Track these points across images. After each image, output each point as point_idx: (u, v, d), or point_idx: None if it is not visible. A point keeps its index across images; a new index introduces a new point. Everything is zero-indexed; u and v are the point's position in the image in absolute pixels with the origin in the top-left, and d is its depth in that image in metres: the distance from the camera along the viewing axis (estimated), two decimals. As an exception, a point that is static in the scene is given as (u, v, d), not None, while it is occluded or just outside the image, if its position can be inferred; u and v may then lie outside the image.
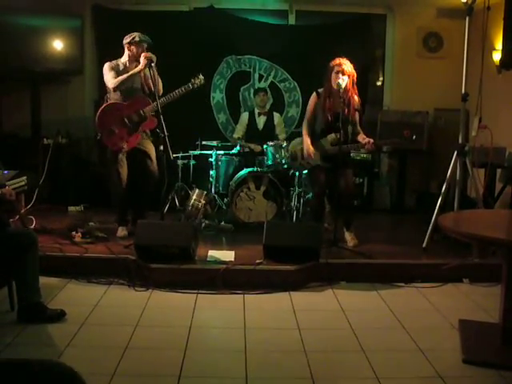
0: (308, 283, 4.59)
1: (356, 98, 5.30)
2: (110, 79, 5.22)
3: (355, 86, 5.27)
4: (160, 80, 5.30)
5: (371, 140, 5.20)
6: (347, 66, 5.15)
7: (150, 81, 5.18)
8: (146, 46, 5.21)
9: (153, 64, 5.08)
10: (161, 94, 5.28)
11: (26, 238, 3.64)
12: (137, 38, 5.20)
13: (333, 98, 5.23)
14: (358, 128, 5.36)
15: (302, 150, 5.44)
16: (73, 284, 4.48)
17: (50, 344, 3.36)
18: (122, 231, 5.44)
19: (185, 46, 7.08)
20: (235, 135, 6.79)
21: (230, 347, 3.46)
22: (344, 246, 5.20)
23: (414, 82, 7.40)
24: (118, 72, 5.24)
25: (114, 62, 5.31)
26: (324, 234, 5.11)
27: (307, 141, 5.34)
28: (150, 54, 5.10)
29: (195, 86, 5.38)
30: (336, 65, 5.17)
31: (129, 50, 5.25)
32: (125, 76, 5.16)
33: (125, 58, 5.32)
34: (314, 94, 5.39)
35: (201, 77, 5.43)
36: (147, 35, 5.27)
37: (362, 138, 5.26)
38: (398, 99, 7.50)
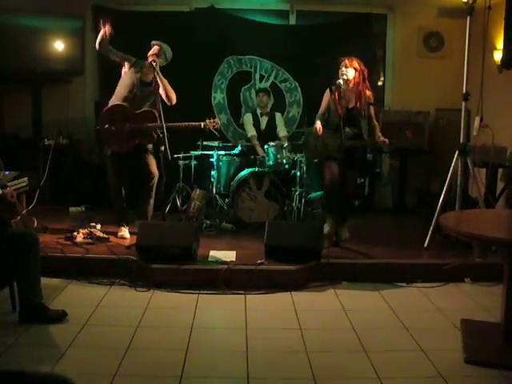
0: (309, 283, 4.59)
1: (368, 92, 5.33)
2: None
3: (367, 82, 5.33)
4: (166, 85, 5.34)
5: (386, 140, 5.24)
6: (353, 61, 5.23)
7: (163, 91, 5.27)
8: (155, 52, 5.21)
9: (154, 63, 5.10)
10: (174, 101, 5.35)
11: (28, 239, 3.64)
12: (154, 42, 5.22)
13: (343, 92, 5.24)
14: (375, 122, 5.40)
15: (315, 139, 5.45)
16: (74, 285, 4.48)
17: (52, 345, 3.36)
18: (121, 231, 5.44)
19: (186, 47, 7.06)
20: (250, 134, 6.74)
21: (232, 347, 3.46)
22: (340, 244, 5.20)
23: (414, 81, 7.39)
24: (128, 63, 5.32)
25: (138, 61, 5.35)
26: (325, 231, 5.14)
27: (318, 121, 5.39)
28: (153, 55, 5.14)
29: (206, 127, 5.42)
30: (342, 60, 5.25)
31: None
32: (114, 52, 5.27)
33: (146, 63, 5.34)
34: (328, 90, 5.40)
35: (217, 121, 5.48)
36: (148, 35, 5.26)
37: (377, 136, 5.30)
38: (399, 99, 7.49)
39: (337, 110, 5.25)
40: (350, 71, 5.19)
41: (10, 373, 1.52)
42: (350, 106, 5.25)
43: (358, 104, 5.24)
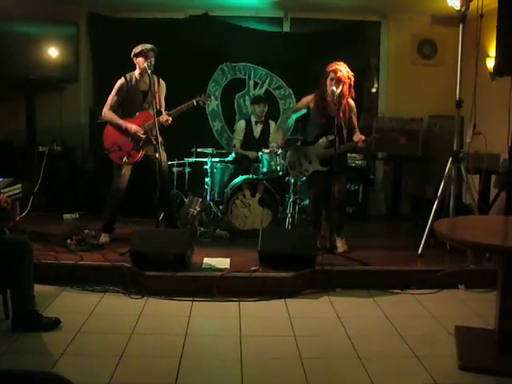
0: (304, 290, 4.59)
1: (351, 101, 5.31)
2: (107, 105, 5.33)
3: (352, 90, 5.27)
4: (158, 82, 5.40)
5: (362, 137, 5.24)
6: (343, 72, 5.14)
7: (158, 94, 5.34)
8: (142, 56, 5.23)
9: (146, 65, 5.13)
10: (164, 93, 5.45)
11: (21, 246, 3.62)
12: (137, 50, 5.23)
13: (327, 103, 5.24)
14: (356, 130, 5.38)
15: (298, 158, 5.45)
16: (68, 292, 4.46)
17: (45, 352, 3.35)
18: (104, 237, 5.44)
19: (180, 54, 7.09)
20: (234, 140, 6.78)
21: (226, 355, 3.45)
22: (334, 251, 5.20)
23: (408, 88, 7.42)
24: (123, 93, 5.32)
25: (128, 76, 5.35)
26: (319, 240, 5.13)
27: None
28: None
29: (200, 103, 5.38)
30: (332, 71, 5.16)
31: (135, 61, 5.29)
32: (115, 121, 5.30)
33: (137, 71, 5.35)
34: (312, 95, 5.41)
35: (209, 94, 5.47)
36: (142, 43, 5.26)
37: (355, 136, 5.31)
38: (393, 106, 7.52)
39: (319, 119, 5.27)
40: (340, 85, 5.12)
41: (13, 373, 1.52)
42: (332, 115, 5.19)
43: (341, 115, 5.19)
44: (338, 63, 5.20)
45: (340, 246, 5.36)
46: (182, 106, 5.32)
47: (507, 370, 3.18)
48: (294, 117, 5.49)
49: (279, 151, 6.03)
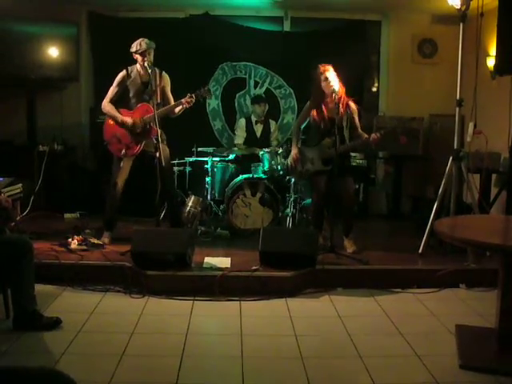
0: (304, 289, 4.59)
1: (352, 104, 5.30)
2: (107, 97, 5.33)
3: (345, 96, 5.25)
4: (160, 75, 5.39)
5: (377, 134, 5.16)
6: (330, 72, 5.17)
7: (162, 87, 5.36)
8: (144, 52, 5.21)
9: (147, 64, 5.12)
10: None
11: (22, 246, 3.62)
12: (133, 49, 5.21)
13: (327, 105, 5.23)
14: (360, 131, 5.34)
15: (300, 159, 5.43)
16: (69, 291, 4.46)
17: (46, 352, 3.35)
18: (104, 237, 5.43)
19: (180, 53, 7.10)
20: (237, 141, 6.77)
21: (227, 354, 3.45)
22: (343, 252, 5.18)
23: (409, 87, 7.43)
24: (124, 85, 5.32)
25: (130, 68, 5.34)
26: (320, 240, 5.13)
27: (294, 148, 5.41)
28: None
29: (199, 97, 5.30)
30: (320, 73, 5.20)
31: (134, 57, 5.28)
32: (113, 114, 5.28)
33: (138, 65, 5.33)
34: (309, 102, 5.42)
35: (208, 88, 5.39)
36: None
37: (365, 137, 5.26)
38: (394, 105, 7.52)
39: (319, 121, 5.24)
40: (336, 83, 5.13)
41: (12, 369, 1.53)
42: (331, 116, 5.18)
43: (340, 114, 5.14)
44: (325, 65, 5.22)
45: (349, 246, 5.31)
46: (178, 102, 5.27)
47: (508, 368, 3.18)
48: (302, 127, 5.49)
49: (280, 150, 6.04)
